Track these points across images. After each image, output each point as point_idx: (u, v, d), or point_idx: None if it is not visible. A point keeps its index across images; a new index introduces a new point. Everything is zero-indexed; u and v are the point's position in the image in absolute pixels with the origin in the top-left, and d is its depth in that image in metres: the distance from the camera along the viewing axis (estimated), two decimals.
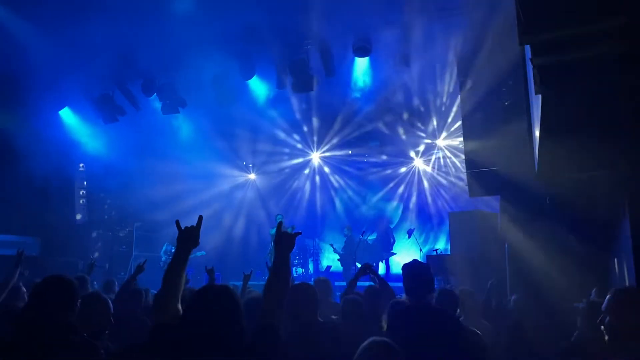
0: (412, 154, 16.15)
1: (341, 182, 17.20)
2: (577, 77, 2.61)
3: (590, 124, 3.10)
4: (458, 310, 4.90)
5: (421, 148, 15.79)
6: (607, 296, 3.24)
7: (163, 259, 13.50)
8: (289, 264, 2.82)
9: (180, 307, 2.62)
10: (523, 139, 6.88)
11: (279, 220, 13.12)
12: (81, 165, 14.44)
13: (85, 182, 14.67)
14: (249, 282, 6.40)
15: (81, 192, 14.55)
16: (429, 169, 16.06)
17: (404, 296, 5.64)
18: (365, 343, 2.76)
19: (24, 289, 5.33)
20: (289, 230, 2.71)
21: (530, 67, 3.72)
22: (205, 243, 14.10)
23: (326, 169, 17.30)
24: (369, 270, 5.81)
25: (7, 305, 4.43)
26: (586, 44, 2.34)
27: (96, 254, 13.83)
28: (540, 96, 3.08)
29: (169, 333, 2.49)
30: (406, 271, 3.99)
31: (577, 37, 2.33)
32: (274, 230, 13.64)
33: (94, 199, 14.64)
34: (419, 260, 4.41)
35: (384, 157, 16.53)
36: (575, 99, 2.83)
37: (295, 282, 4.23)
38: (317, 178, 17.41)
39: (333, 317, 5.05)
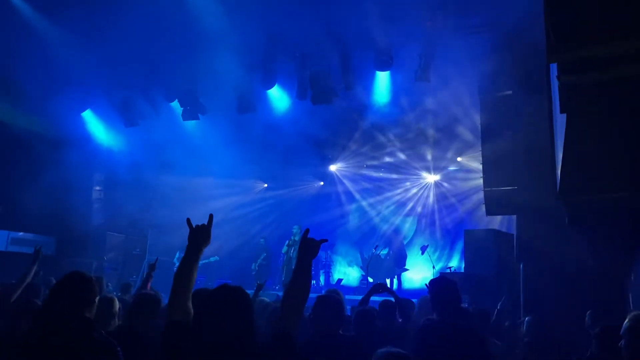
0: (428, 169, 16.09)
1: (356, 195, 17.18)
2: (604, 97, 2.60)
3: (615, 145, 3.08)
4: None
5: (438, 164, 15.71)
6: (626, 320, 3.22)
7: (177, 265, 13.58)
8: (310, 270, 2.78)
9: (191, 305, 2.63)
10: (544, 158, 6.83)
11: (295, 232, 13.31)
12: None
13: (102, 185, 14.83)
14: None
15: (98, 194, 14.71)
16: (445, 185, 15.98)
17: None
18: (381, 353, 2.76)
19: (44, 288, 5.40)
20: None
21: (555, 85, 3.72)
22: (220, 250, 14.26)
23: (341, 182, 17.30)
24: (383, 289, 5.82)
25: (26, 303, 4.48)
26: (616, 63, 2.34)
27: (105, 258, 13.95)
28: (564, 115, 3.07)
29: (182, 332, 2.51)
30: (433, 288, 3.95)
31: (607, 57, 2.33)
32: (285, 249, 13.76)
33: (110, 202, 14.75)
34: (446, 276, 4.39)
35: (400, 172, 16.48)
36: (601, 119, 2.82)
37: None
38: (332, 190, 17.41)
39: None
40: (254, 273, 14.48)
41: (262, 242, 15.31)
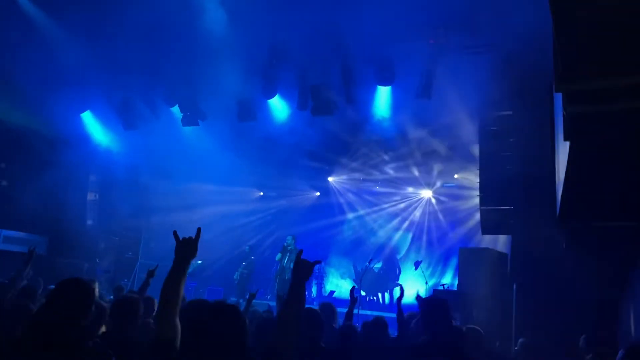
0: (425, 185, 16.12)
1: (351, 207, 17.18)
2: (609, 128, 2.63)
3: (618, 175, 3.11)
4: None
5: (435, 180, 15.75)
6: (621, 350, 3.22)
7: None
8: (304, 291, 2.78)
9: (178, 320, 2.58)
10: (542, 180, 6.87)
11: (288, 242, 13.32)
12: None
13: (97, 187, 14.79)
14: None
15: (93, 196, 14.66)
16: (441, 201, 16.00)
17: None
18: None
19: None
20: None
21: (558, 110, 3.75)
22: (211, 258, 14.21)
23: (337, 194, 17.30)
24: (353, 292, 5.86)
25: (20, 305, 4.44)
26: (623, 96, 2.37)
27: (97, 260, 13.89)
28: (568, 143, 3.09)
29: (170, 351, 2.47)
30: (424, 305, 3.95)
31: (614, 89, 2.36)
32: (279, 256, 13.69)
33: (105, 204, 14.70)
34: (437, 295, 4.40)
35: (397, 187, 16.51)
36: (605, 149, 2.85)
37: None
38: (328, 202, 17.39)
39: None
40: (236, 282, 14.42)
41: (246, 249, 15.26)
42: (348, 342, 4.65)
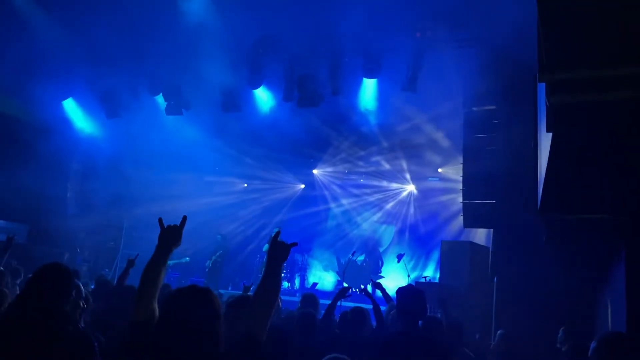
0: (409, 178, 16.18)
1: (335, 200, 17.20)
2: (592, 119, 2.64)
3: (600, 167, 3.14)
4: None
5: (419, 173, 15.80)
6: (593, 341, 3.26)
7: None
8: (280, 273, 2.74)
9: (156, 305, 2.58)
10: (525, 174, 6.93)
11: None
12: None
13: (79, 175, 14.61)
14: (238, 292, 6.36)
15: (74, 184, 14.49)
16: (425, 195, 16.07)
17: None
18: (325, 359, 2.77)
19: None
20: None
21: (542, 103, 3.78)
22: (193, 248, 14.12)
23: (322, 186, 17.30)
24: (345, 292, 5.88)
25: None
26: (608, 86, 2.38)
27: (78, 249, 13.74)
28: (550, 134, 3.11)
29: (145, 333, 2.46)
30: (400, 295, 3.97)
31: (599, 79, 2.37)
32: (266, 247, 13.64)
33: (86, 192, 14.53)
34: (414, 285, 4.43)
35: (381, 180, 16.55)
36: (587, 140, 2.87)
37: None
38: (312, 194, 17.39)
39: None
40: (207, 270, 14.34)
41: (219, 238, 15.16)
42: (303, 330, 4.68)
